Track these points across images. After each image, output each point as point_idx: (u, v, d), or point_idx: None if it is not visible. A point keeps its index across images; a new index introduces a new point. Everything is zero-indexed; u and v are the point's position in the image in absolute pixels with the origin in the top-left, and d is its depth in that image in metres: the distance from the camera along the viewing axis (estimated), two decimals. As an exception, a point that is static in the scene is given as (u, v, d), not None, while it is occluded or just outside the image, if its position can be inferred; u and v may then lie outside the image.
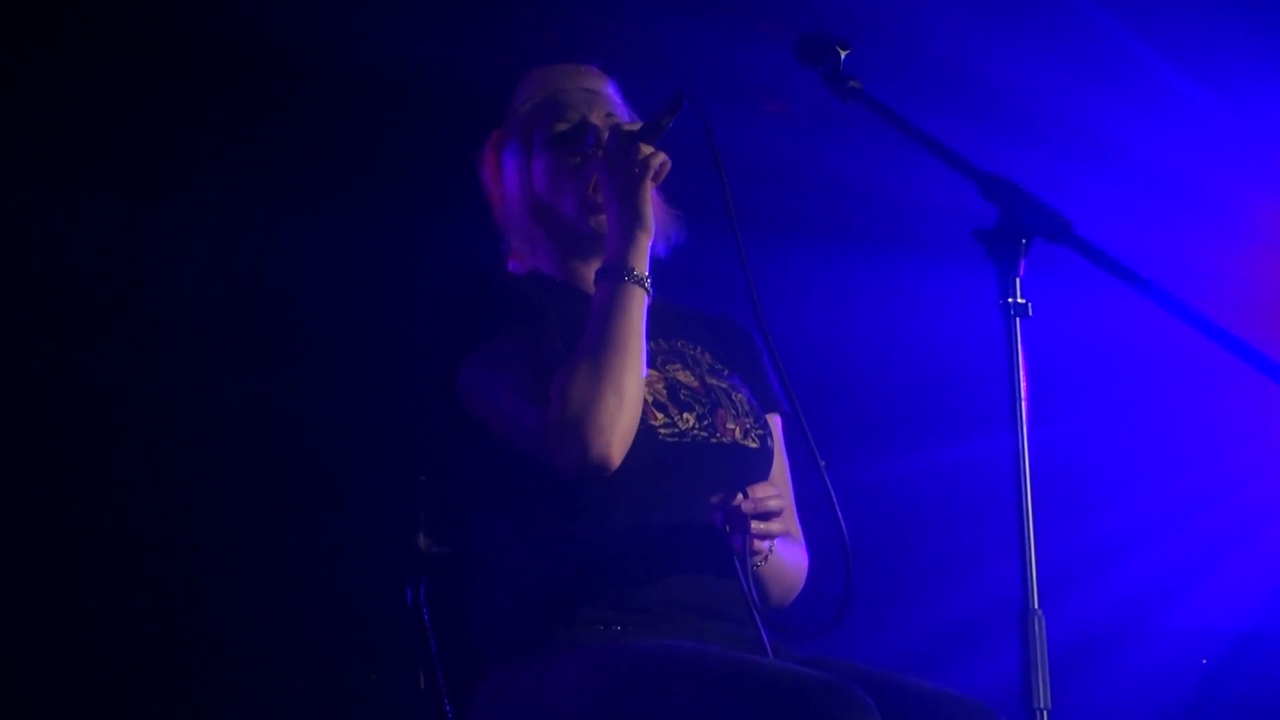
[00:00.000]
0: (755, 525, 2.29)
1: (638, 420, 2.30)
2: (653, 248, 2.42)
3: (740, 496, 2.29)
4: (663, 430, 2.38)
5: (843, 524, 2.28)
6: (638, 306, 2.33)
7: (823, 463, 2.29)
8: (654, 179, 2.38)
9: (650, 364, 2.43)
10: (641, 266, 2.35)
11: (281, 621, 3.59)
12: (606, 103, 2.57)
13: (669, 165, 2.40)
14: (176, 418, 3.59)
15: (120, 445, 3.54)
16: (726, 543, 2.31)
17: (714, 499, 2.30)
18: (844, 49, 2.19)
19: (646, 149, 2.38)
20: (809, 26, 2.22)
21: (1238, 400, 4.35)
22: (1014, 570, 1.90)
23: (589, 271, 2.52)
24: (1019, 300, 1.97)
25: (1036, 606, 1.88)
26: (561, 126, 2.53)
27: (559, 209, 2.52)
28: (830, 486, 2.27)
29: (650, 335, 2.46)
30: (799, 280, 4.13)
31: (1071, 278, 3.09)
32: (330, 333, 3.72)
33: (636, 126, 2.42)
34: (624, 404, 2.27)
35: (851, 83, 2.18)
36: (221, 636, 3.55)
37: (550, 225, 2.54)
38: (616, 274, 2.34)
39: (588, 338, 2.31)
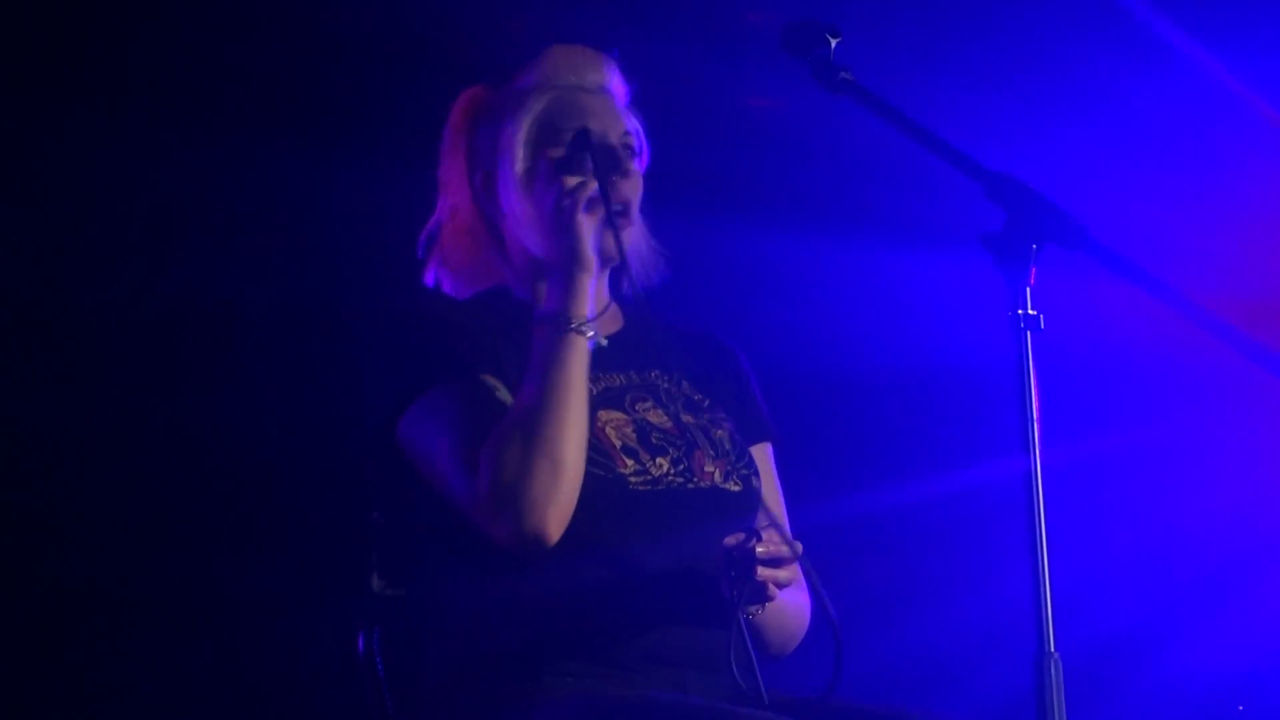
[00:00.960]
0: (764, 572, 2.27)
1: (578, 488, 2.29)
2: (629, 285, 2.44)
3: (753, 540, 2.27)
4: (634, 479, 2.37)
5: (828, 603, 2.29)
6: (578, 359, 2.32)
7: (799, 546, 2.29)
8: (590, 210, 2.38)
9: (618, 404, 2.44)
10: (580, 310, 2.34)
11: (219, 673, 3.59)
12: (625, 115, 2.55)
13: (599, 198, 2.39)
14: (100, 445, 3.59)
15: (35, 479, 3.54)
16: (720, 590, 2.31)
17: (728, 539, 2.28)
18: (834, 37, 2.19)
19: (571, 181, 2.38)
20: (797, 14, 2.22)
21: (1266, 412, 4.37)
22: (1020, 597, 1.91)
23: None
24: (1030, 312, 1.98)
25: (1053, 649, 1.89)
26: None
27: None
28: (810, 566, 2.27)
29: (619, 367, 2.47)
30: (783, 281, 4.14)
31: (1078, 278, 3.10)
32: (272, 353, 3.73)
33: (559, 152, 2.43)
34: (561, 473, 2.26)
35: (843, 74, 2.19)
36: (151, 693, 3.55)
37: (545, 235, 2.51)
38: (552, 322, 2.34)
39: (521, 397, 2.31)
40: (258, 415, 3.69)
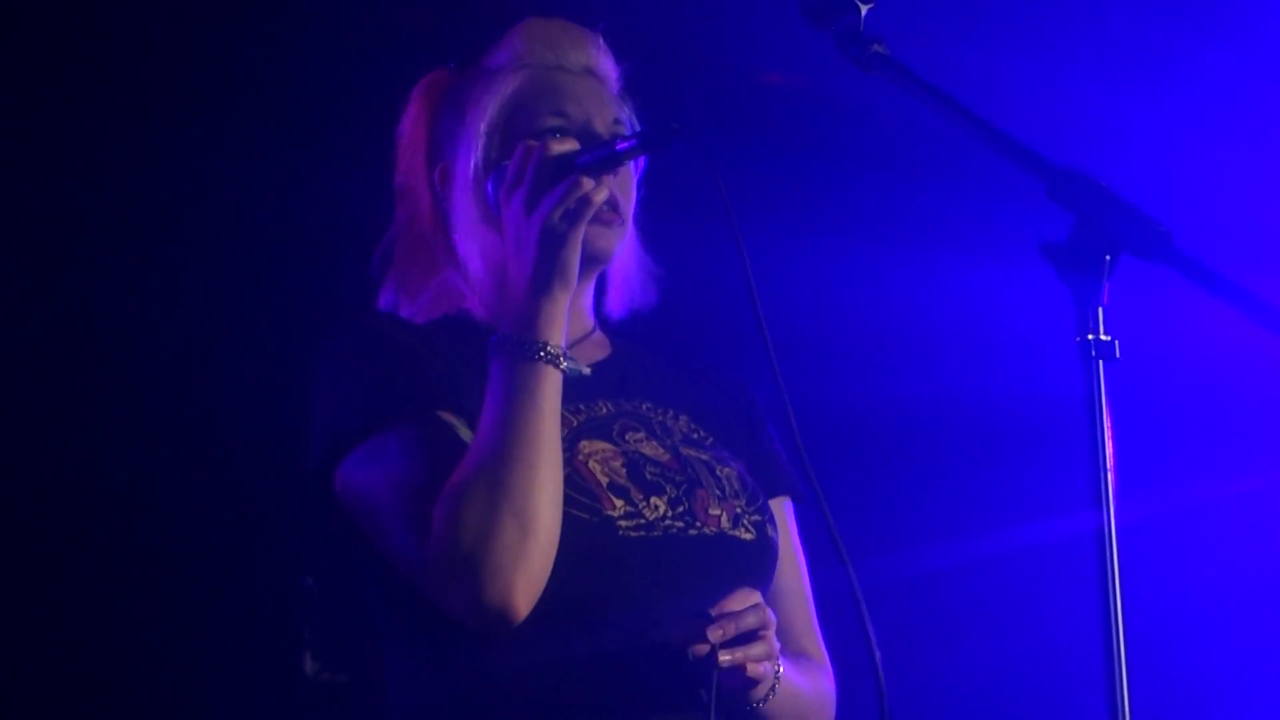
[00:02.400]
0: (727, 656, 2.22)
1: (552, 555, 2.24)
2: (616, 309, 2.44)
3: (712, 626, 2.23)
4: (624, 522, 2.32)
5: (875, 649, 2.23)
6: (550, 393, 2.28)
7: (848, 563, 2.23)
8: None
9: (604, 433, 2.40)
10: (556, 336, 2.30)
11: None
12: (613, 102, 2.53)
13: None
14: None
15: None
16: (703, 677, 2.26)
17: (692, 650, 2.23)
18: (865, 3, 2.16)
19: (588, 184, 2.32)
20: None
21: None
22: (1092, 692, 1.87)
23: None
24: (1102, 337, 1.93)
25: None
26: (556, 122, 2.47)
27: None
28: (859, 593, 2.21)
29: (605, 394, 2.44)
30: (798, 298, 4.15)
31: (1160, 296, 3.10)
32: (180, 385, 3.78)
33: (573, 147, 2.37)
34: (530, 534, 2.21)
35: (875, 47, 2.15)
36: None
37: (512, 240, 2.47)
38: (521, 348, 2.29)
39: (481, 440, 2.26)
40: (164, 466, 3.73)
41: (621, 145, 2.36)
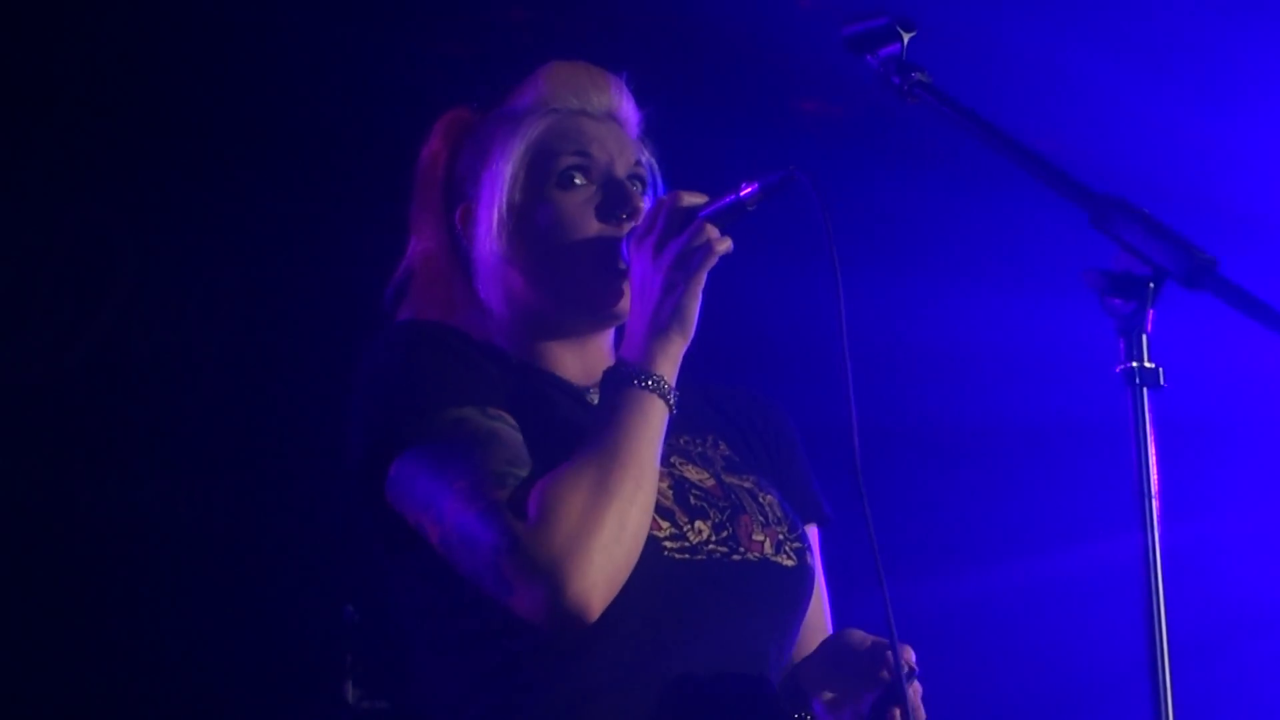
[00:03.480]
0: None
1: (632, 565, 2.25)
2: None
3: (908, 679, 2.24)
4: (669, 544, 2.33)
5: (898, 649, 2.24)
6: (660, 425, 2.31)
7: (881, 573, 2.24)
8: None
9: None
10: (672, 376, 2.33)
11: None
12: (635, 146, 2.55)
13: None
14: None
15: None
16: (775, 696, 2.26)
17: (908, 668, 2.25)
18: (907, 31, 2.16)
19: (713, 232, 2.35)
20: (859, 2, 2.19)
21: None
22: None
23: (560, 349, 2.49)
24: (1146, 365, 1.93)
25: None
26: (579, 161, 2.49)
27: (555, 273, 2.47)
28: (892, 616, 2.22)
29: None
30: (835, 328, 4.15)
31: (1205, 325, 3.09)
32: (220, 413, 3.81)
33: (702, 200, 2.39)
34: (623, 542, 2.23)
35: (917, 75, 2.15)
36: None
37: (529, 281, 2.48)
38: (644, 379, 2.32)
39: (594, 445, 2.27)
40: (204, 493, 3.74)
41: (745, 192, 2.37)
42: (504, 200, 2.48)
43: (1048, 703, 4.30)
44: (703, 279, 2.34)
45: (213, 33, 3.99)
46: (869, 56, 2.19)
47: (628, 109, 2.57)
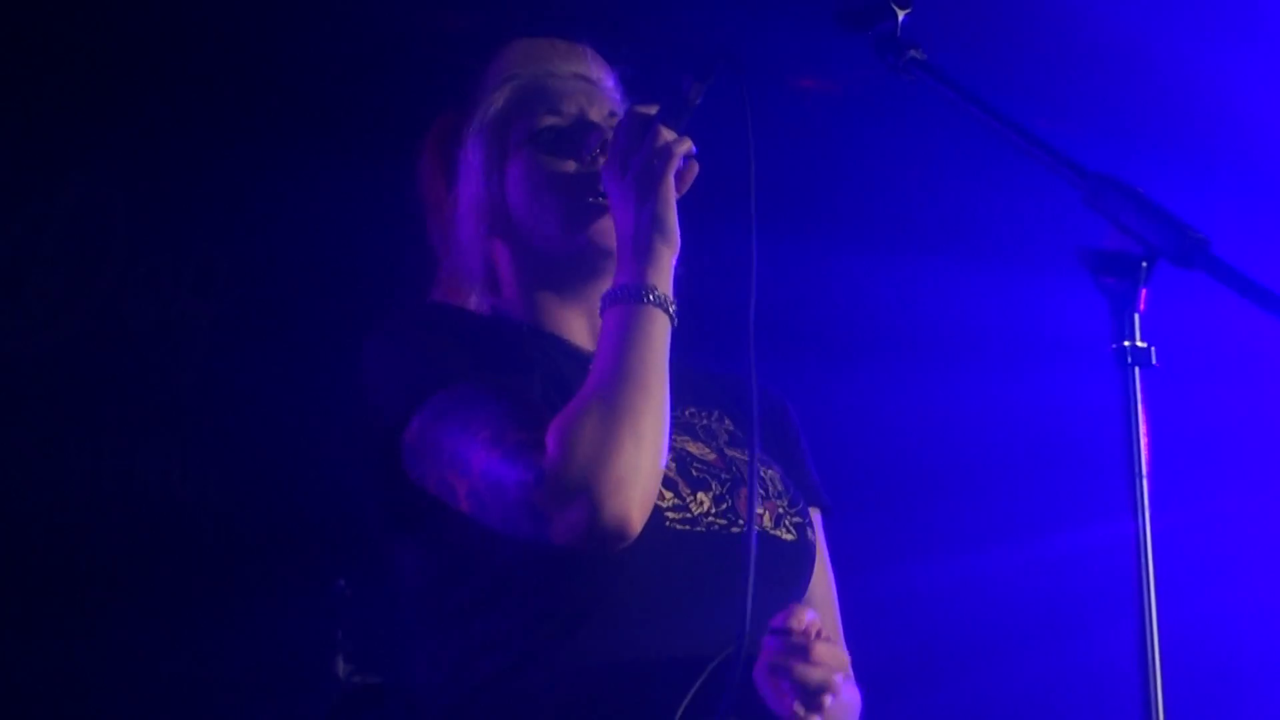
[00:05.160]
0: (804, 671, 2.23)
1: (660, 476, 2.28)
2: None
3: (786, 637, 2.23)
4: (671, 514, 2.35)
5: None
6: (661, 335, 2.33)
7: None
8: (679, 179, 2.37)
9: None
10: (665, 286, 2.34)
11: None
12: (608, 98, 2.56)
13: (696, 164, 2.39)
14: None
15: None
16: (763, 690, 2.27)
17: (769, 637, 2.25)
18: (903, 8, 2.17)
19: (669, 134, 2.37)
20: (854, -21, 2.21)
21: None
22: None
23: (567, 313, 2.51)
24: (1139, 344, 1.95)
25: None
26: (551, 120, 2.51)
27: (538, 226, 2.50)
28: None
29: None
30: (826, 303, 4.16)
31: (1197, 304, 3.10)
32: (213, 387, 3.83)
33: (654, 109, 2.41)
34: (645, 452, 2.25)
35: (912, 52, 2.17)
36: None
37: (520, 247, 2.52)
38: (634, 294, 2.33)
39: (597, 371, 2.30)
40: (199, 468, 3.75)
41: (685, 86, 2.38)
42: (484, 173, 2.52)
43: (1038, 692, 4.30)
44: (671, 183, 2.35)
45: (205, 6, 4.00)
46: (865, 33, 2.20)
47: (596, 71, 2.59)
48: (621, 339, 2.31)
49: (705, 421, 2.54)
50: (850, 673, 2.52)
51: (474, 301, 2.58)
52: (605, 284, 2.45)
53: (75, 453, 3.80)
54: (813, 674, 2.24)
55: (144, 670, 3.68)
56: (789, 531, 2.45)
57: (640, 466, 2.23)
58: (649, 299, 2.32)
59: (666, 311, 2.33)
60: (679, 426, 2.48)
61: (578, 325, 2.52)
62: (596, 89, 2.57)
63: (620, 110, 2.55)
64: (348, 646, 2.62)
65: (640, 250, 2.35)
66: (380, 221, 3.98)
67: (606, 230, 2.45)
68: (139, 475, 3.79)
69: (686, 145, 2.37)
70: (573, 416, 2.25)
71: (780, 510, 2.45)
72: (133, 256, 3.96)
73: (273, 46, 4.04)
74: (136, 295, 3.93)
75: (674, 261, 2.36)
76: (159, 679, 3.66)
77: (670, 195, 2.35)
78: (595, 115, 2.52)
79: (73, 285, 3.91)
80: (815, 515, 2.60)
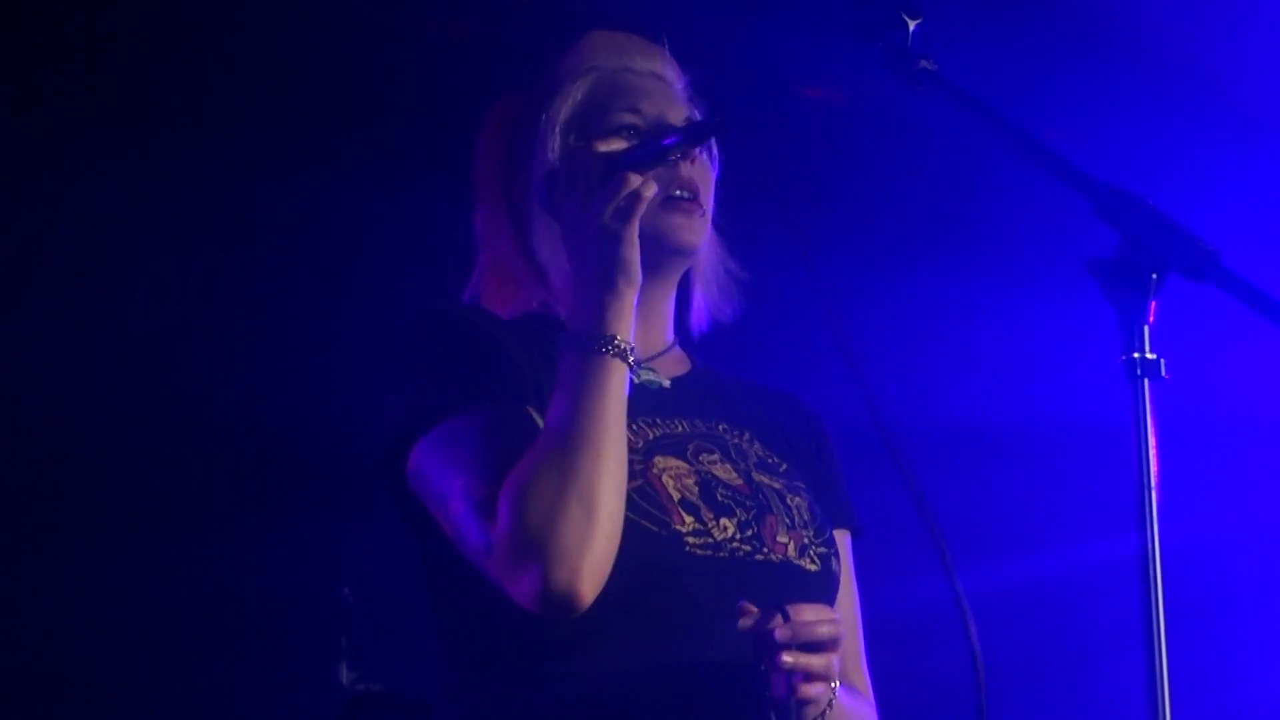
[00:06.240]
0: (789, 659, 2.21)
1: (616, 542, 2.25)
2: (698, 320, 2.44)
3: (778, 618, 2.23)
4: (691, 539, 2.33)
5: (975, 641, 2.23)
6: (617, 386, 2.29)
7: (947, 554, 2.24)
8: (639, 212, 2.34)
9: (678, 451, 2.41)
10: (624, 331, 2.31)
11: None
12: (682, 102, 2.54)
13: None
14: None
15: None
16: (762, 687, 2.26)
17: (742, 621, 2.25)
18: (913, 19, 2.17)
19: (635, 180, 2.34)
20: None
21: None
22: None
23: None
24: (1148, 355, 1.95)
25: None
26: (630, 119, 2.49)
27: None
28: (960, 590, 2.22)
29: (681, 412, 2.45)
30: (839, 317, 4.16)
31: (1207, 316, 3.10)
32: (218, 390, 3.85)
33: (619, 145, 2.41)
34: (595, 520, 2.22)
35: (923, 63, 2.17)
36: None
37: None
38: (589, 342, 2.30)
39: (550, 429, 2.27)
40: (203, 470, 3.75)
41: (667, 141, 2.38)
42: (555, 162, 2.49)
43: (1046, 700, 4.30)
44: (636, 226, 2.33)
45: (211, 13, 4.01)
46: (875, 43, 2.21)
47: (671, 71, 2.57)
48: (577, 393, 2.28)
49: (736, 441, 2.51)
50: (870, 697, 2.52)
51: (522, 296, 2.56)
52: (663, 296, 2.50)
53: (79, 460, 3.81)
54: (814, 661, 2.23)
55: (148, 679, 3.69)
56: (813, 562, 2.42)
57: (588, 536, 2.21)
58: (607, 350, 2.29)
59: (626, 360, 2.30)
60: (709, 440, 2.47)
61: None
62: (672, 90, 2.55)
63: (695, 117, 2.53)
64: (351, 654, 2.62)
65: (605, 291, 2.32)
66: (387, 228, 4.00)
67: (679, 227, 2.44)
68: (143, 482, 3.80)
69: (652, 190, 2.34)
70: (523, 482, 2.23)
71: (806, 540, 2.43)
72: (137, 263, 3.97)
73: (278, 54, 4.05)
74: (140, 302, 3.94)
75: (635, 299, 2.33)
76: (163, 688, 3.66)
77: (635, 236, 2.33)
78: (674, 118, 2.50)
79: (77, 292, 3.91)
80: (844, 537, 2.58)
